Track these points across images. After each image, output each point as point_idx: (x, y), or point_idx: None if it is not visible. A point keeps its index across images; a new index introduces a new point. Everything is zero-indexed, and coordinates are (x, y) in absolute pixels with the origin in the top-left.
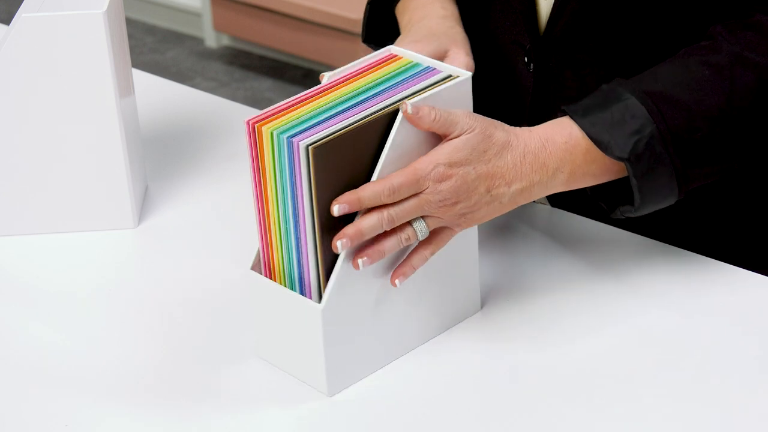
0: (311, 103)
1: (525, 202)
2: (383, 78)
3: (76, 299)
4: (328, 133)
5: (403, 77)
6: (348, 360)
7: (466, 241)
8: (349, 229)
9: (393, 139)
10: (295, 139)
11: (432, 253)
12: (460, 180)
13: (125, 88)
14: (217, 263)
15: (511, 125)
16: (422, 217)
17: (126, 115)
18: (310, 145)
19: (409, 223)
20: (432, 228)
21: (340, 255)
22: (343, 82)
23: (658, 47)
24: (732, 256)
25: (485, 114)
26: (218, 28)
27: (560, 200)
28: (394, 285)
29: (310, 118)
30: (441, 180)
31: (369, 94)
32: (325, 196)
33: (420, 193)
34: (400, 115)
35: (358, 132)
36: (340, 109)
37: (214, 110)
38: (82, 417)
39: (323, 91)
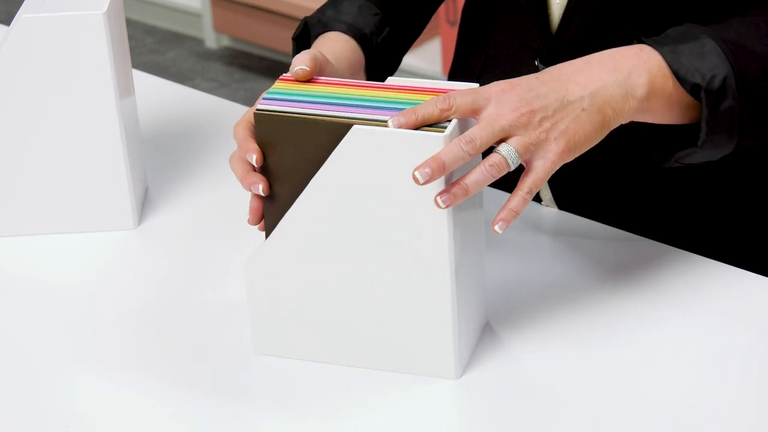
0: (336, 88)
1: (611, 113)
2: (417, 101)
3: (76, 299)
4: (287, 110)
5: None
6: (275, 325)
7: (438, 296)
8: (430, 161)
9: (335, 154)
10: (263, 102)
11: (531, 192)
12: (524, 87)
13: (125, 89)
14: (218, 264)
15: None
16: (506, 140)
17: (126, 115)
18: (259, 109)
19: (494, 150)
20: (522, 151)
21: (280, 223)
22: (388, 88)
23: None
24: (732, 257)
25: None
26: (218, 28)
27: (568, 203)
28: (495, 231)
29: (310, 95)
30: (504, 92)
31: (383, 106)
32: (267, 168)
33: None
34: (346, 138)
35: (311, 124)
36: (339, 102)
37: (214, 111)
38: (83, 417)
39: (363, 86)
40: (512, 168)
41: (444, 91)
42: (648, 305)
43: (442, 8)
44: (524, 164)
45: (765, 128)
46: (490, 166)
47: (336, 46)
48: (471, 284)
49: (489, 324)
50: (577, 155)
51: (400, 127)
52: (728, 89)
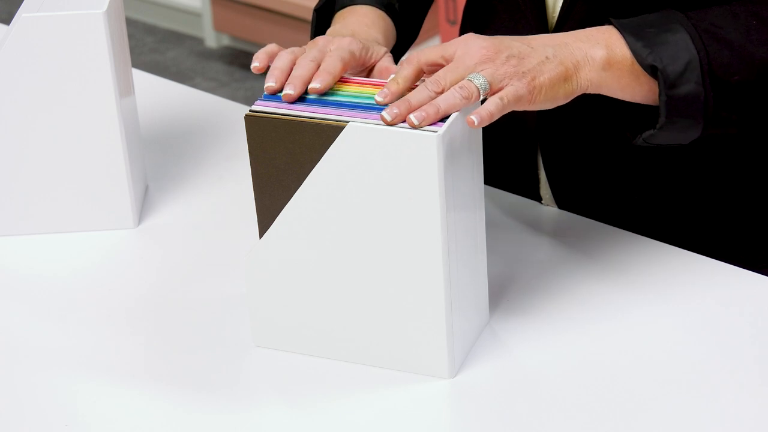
0: (336, 85)
1: (572, 68)
2: None
3: (77, 299)
4: (280, 111)
5: None
6: (273, 319)
7: (431, 295)
8: (399, 103)
9: (331, 151)
10: (258, 102)
11: (502, 100)
12: (489, 39)
13: (125, 88)
14: (217, 263)
15: (518, 130)
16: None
17: (126, 115)
18: (250, 111)
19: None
20: (490, 79)
21: (277, 219)
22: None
23: None
24: (732, 256)
25: (492, 123)
26: (218, 28)
27: (568, 202)
28: (470, 123)
29: (308, 93)
30: (470, 37)
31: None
32: (259, 169)
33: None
34: (341, 135)
35: (301, 126)
36: (337, 102)
37: (215, 110)
38: (83, 416)
39: (363, 83)
40: (481, 93)
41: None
42: (648, 304)
43: (442, 8)
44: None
45: (736, 117)
46: (459, 87)
47: (366, 18)
48: (468, 284)
49: (488, 323)
50: (542, 100)
51: (394, 119)
52: (691, 74)
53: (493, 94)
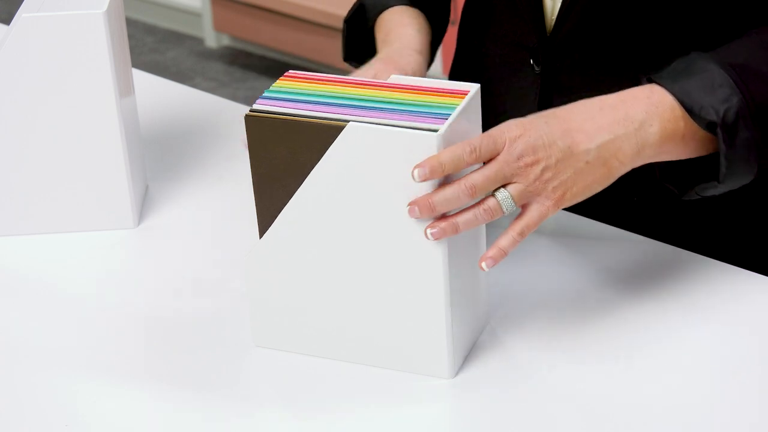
0: (336, 86)
1: (617, 165)
2: (417, 103)
3: (77, 297)
4: (280, 111)
5: (431, 111)
6: (273, 319)
7: (432, 295)
8: (420, 199)
9: (331, 150)
10: (258, 102)
11: (522, 235)
12: (534, 134)
13: (125, 88)
14: (217, 263)
15: None
16: (504, 186)
17: (126, 115)
18: (250, 110)
19: (492, 195)
20: (518, 198)
21: (277, 219)
22: (388, 87)
23: (669, 46)
24: (733, 256)
25: (492, 122)
26: (218, 28)
27: None
28: (482, 268)
29: (309, 94)
30: (516, 138)
31: (381, 107)
32: (259, 169)
33: (497, 155)
34: (341, 135)
35: (301, 126)
36: (337, 102)
37: (215, 110)
38: (83, 416)
39: (363, 84)
40: (506, 214)
41: (443, 90)
42: (647, 304)
43: None
44: (520, 208)
45: None
46: (484, 210)
47: (401, 18)
48: (468, 284)
49: (488, 324)
50: (574, 203)
51: (425, 179)
52: (743, 120)
53: (518, 206)
